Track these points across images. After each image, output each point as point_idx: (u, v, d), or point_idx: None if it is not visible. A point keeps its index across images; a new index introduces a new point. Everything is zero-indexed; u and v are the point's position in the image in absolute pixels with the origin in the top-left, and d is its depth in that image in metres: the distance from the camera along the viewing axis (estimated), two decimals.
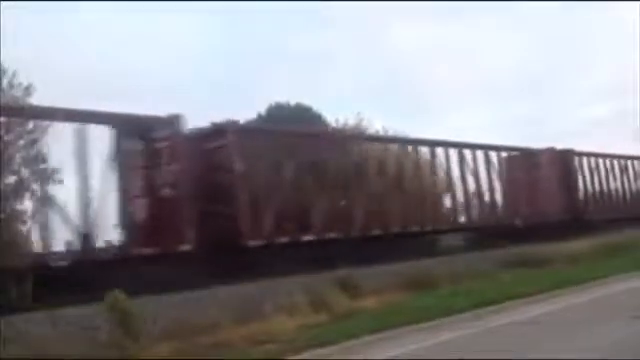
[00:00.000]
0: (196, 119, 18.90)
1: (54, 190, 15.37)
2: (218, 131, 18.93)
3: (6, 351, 9.94)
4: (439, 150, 25.87)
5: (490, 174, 27.88)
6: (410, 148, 25.46)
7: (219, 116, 22.80)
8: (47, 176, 15.45)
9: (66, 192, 15.25)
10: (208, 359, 10.22)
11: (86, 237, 14.95)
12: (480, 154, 27.49)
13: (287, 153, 20.22)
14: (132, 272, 13.97)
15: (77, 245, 14.93)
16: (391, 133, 31.71)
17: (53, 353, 9.93)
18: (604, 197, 34.28)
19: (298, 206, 20.01)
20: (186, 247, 15.95)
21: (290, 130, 23.35)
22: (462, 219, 27.00)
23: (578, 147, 33.15)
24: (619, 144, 60.93)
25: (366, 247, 20.00)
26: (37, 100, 16.46)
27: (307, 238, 19.61)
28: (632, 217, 32.98)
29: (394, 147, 25.47)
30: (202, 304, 12.62)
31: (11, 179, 15.21)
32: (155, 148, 16.89)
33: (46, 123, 15.63)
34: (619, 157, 36.10)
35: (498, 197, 28.71)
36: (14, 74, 16.80)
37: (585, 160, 33.39)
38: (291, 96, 37.47)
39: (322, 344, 10.82)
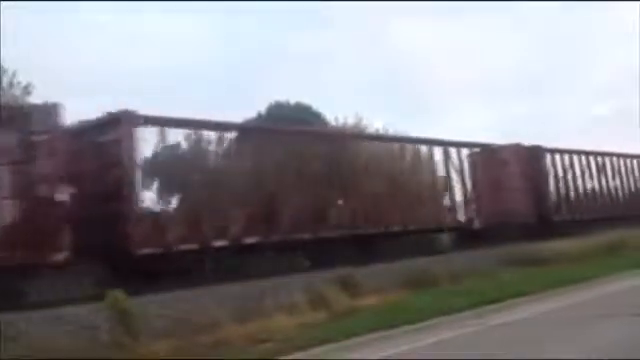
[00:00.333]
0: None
1: None
2: (112, 122, 16.17)
3: (6, 351, 9.92)
4: (395, 146, 24.34)
5: (449, 172, 25.44)
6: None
7: (219, 116, 22.74)
8: None
9: None
10: (207, 358, 10.20)
11: None
12: (438, 151, 25.10)
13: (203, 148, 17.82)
14: None
15: None
16: (390, 132, 31.56)
17: (53, 352, 9.91)
18: (579, 197, 31.29)
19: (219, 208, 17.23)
20: (60, 256, 13.72)
21: (203, 121, 18.48)
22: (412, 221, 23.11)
23: (578, 146, 31.99)
24: (620, 143, 61.05)
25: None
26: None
27: (221, 244, 16.89)
28: (610, 217, 30.70)
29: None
30: (201, 303, 12.57)
31: None
32: (31, 141, 14.18)
33: None
34: (596, 154, 33.04)
35: (457, 197, 25.87)
36: (14, 74, 16.83)
37: (558, 157, 30.54)
38: (291, 95, 37.68)
39: (321, 342, 10.80)
